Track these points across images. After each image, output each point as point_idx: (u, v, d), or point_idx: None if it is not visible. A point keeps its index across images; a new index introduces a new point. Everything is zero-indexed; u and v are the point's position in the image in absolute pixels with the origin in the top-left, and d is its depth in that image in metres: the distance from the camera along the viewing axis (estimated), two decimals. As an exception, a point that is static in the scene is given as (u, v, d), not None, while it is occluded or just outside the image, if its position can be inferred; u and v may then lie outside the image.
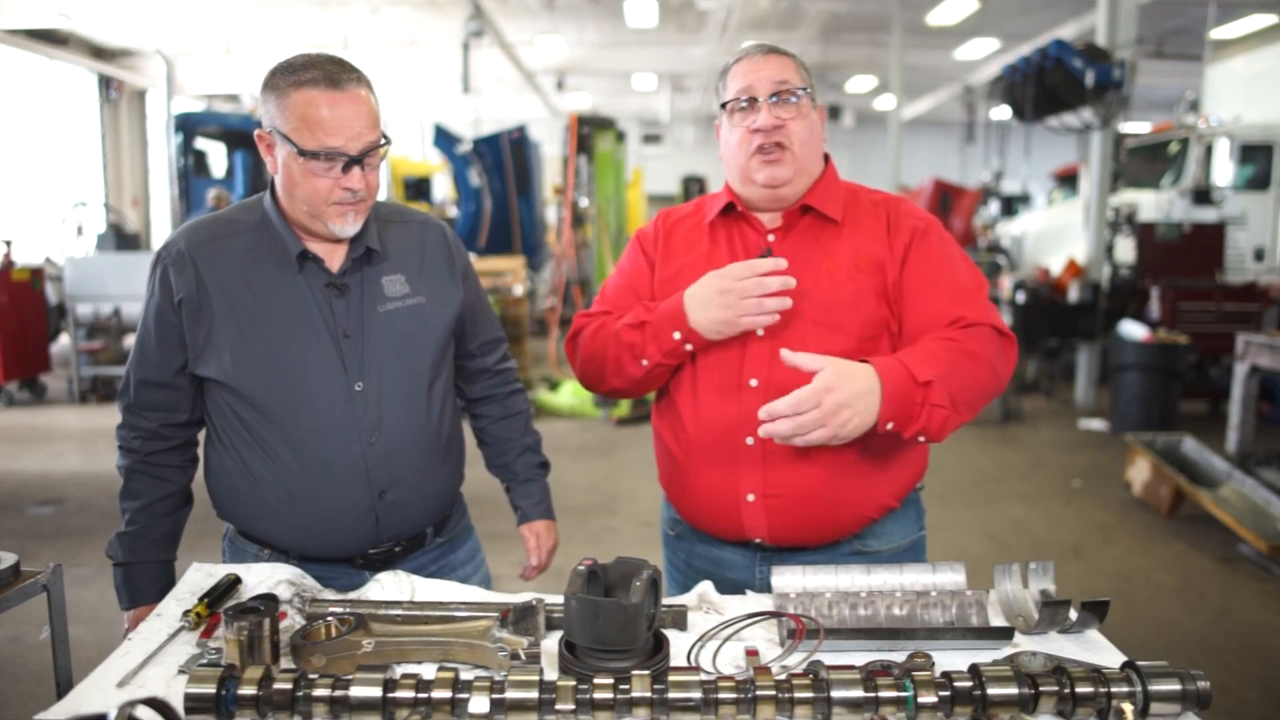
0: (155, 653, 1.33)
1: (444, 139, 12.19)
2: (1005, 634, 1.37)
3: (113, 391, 8.18)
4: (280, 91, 1.49)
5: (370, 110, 1.52)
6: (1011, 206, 15.25)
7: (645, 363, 1.63)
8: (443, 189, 16.11)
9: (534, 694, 1.11)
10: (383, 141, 1.54)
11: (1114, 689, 1.15)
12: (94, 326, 8.29)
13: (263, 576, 1.53)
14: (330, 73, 1.48)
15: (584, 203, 10.09)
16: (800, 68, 1.64)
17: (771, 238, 1.66)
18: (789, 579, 1.46)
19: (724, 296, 1.53)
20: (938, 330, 1.54)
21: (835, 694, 1.13)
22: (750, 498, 1.60)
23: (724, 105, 1.66)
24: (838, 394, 1.38)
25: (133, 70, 14.75)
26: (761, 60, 1.62)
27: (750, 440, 1.58)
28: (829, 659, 1.27)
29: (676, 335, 1.58)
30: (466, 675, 1.16)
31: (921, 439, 1.48)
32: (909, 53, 13.65)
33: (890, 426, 1.44)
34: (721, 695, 1.13)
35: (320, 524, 1.62)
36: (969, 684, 1.14)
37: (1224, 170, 9.25)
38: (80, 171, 14.16)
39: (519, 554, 1.96)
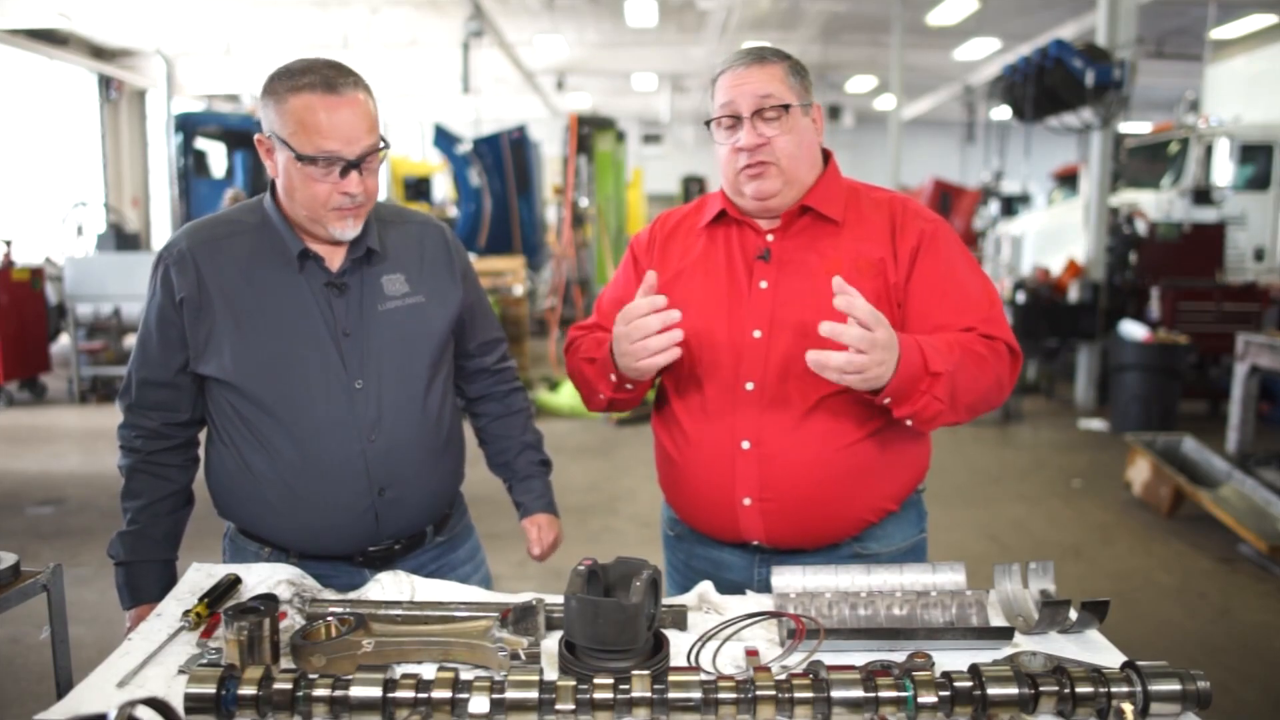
0: (155, 653, 1.33)
1: (444, 139, 12.20)
2: (1005, 634, 1.37)
3: (113, 391, 8.18)
4: (278, 97, 1.50)
5: (368, 114, 1.52)
6: (1011, 206, 15.24)
7: (601, 396, 1.68)
8: (443, 189, 16.12)
9: (534, 694, 1.11)
10: (381, 145, 1.55)
11: (1114, 689, 1.15)
12: (94, 326, 8.29)
13: (263, 576, 1.53)
14: (327, 77, 1.49)
15: (584, 203, 10.10)
16: (790, 73, 1.60)
17: (770, 238, 1.65)
18: (789, 579, 1.46)
19: (619, 343, 1.53)
20: (953, 332, 1.54)
21: (835, 694, 1.13)
22: (746, 501, 1.60)
23: (708, 123, 1.65)
24: (890, 338, 1.37)
25: (133, 70, 14.74)
26: (745, 73, 1.58)
27: (746, 444, 1.58)
28: (829, 659, 1.27)
29: (612, 377, 1.61)
30: (466, 675, 1.16)
31: (909, 422, 1.48)
32: (909, 53, 13.63)
33: (888, 401, 1.44)
34: (721, 695, 1.13)
35: (320, 521, 1.62)
36: (969, 684, 1.14)
37: (1224, 170, 9.25)
38: (80, 171, 14.15)
39: (519, 554, 1.97)
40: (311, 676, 1.15)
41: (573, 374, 1.77)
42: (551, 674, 1.22)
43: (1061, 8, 11.96)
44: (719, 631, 1.38)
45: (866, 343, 1.34)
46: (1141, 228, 8.49)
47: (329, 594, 1.54)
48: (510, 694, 1.11)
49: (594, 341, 1.70)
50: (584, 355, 1.71)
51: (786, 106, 1.57)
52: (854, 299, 1.35)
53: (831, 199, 1.64)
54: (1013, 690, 1.14)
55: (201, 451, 1.73)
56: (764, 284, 1.62)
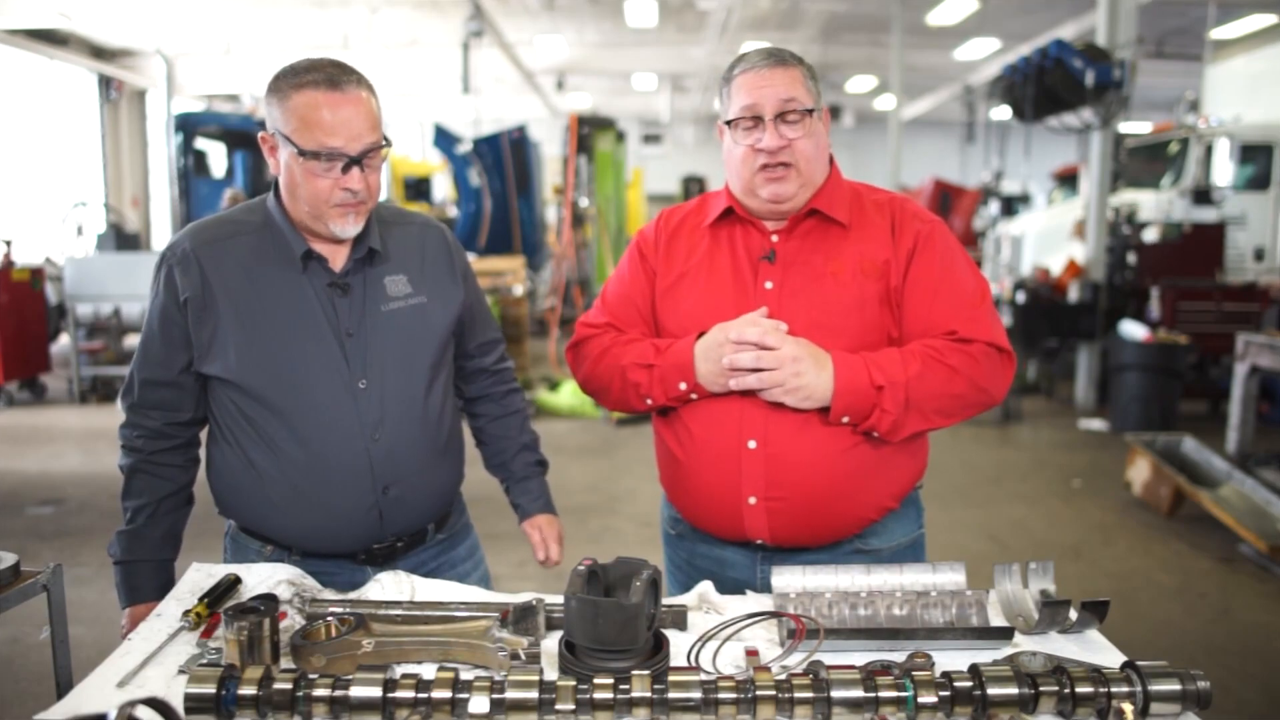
0: (155, 653, 1.33)
1: (444, 139, 12.21)
2: (1005, 634, 1.37)
3: (113, 392, 8.18)
4: (282, 94, 1.51)
5: (370, 112, 1.53)
6: (1011, 206, 15.23)
7: (650, 402, 1.66)
8: (443, 189, 16.13)
9: (534, 694, 1.11)
10: (383, 143, 1.56)
11: (1114, 689, 1.15)
12: (94, 326, 8.29)
13: (263, 576, 1.53)
14: (330, 75, 1.50)
15: (584, 203, 10.10)
16: (807, 77, 1.61)
17: (774, 239, 1.65)
18: (789, 579, 1.46)
19: (722, 349, 1.54)
20: (929, 338, 1.56)
21: (835, 694, 1.13)
22: (752, 500, 1.60)
23: (729, 122, 1.63)
24: (799, 347, 1.51)
25: (133, 70, 14.74)
26: (768, 74, 1.58)
27: (753, 443, 1.58)
28: (829, 659, 1.27)
29: (682, 386, 1.60)
30: (466, 675, 1.16)
31: (875, 434, 1.55)
32: (909, 53, 13.65)
33: (845, 420, 1.52)
34: (721, 695, 1.13)
35: (324, 519, 1.63)
36: (969, 684, 1.14)
37: (1224, 170, 9.23)
38: (80, 171, 14.15)
39: (519, 554, 1.97)
40: (311, 676, 1.15)
41: (605, 375, 1.71)
42: (551, 674, 1.22)
43: (1061, 8, 11.96)
44: (719, 631, 1.38)
45: (771, 360, 1.50)
46: (1151, 235, 8.49)
47: (329, 594, 1.55)
48: (510, 694, 1.11)
49: (650, 349, 1.65)
50: (633, 359, 1.65)
51: (810, 110, 1.58)
52: (744, 330, 1.52)
53: (838, 202, 1.65)
54: (1013, 690, 1.14)
55: (202, 451, 1.74)
56: (769, 284, 1.62)
